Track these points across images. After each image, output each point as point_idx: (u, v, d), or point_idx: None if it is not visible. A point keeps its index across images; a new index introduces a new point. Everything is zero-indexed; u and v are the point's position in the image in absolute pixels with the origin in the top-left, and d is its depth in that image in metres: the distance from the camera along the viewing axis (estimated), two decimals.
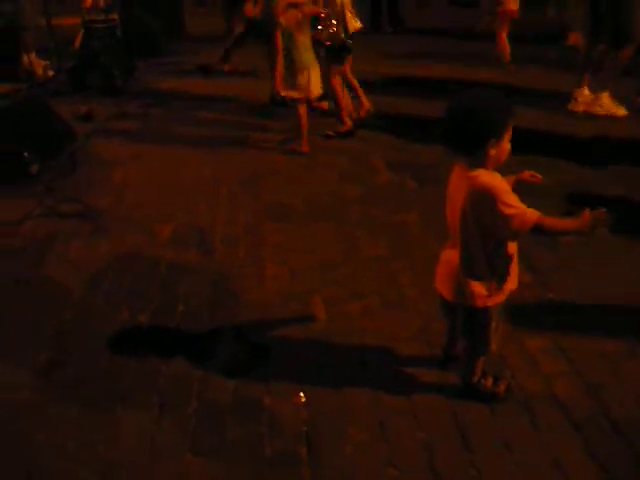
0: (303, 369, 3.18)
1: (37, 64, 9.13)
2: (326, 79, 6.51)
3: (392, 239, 4.43)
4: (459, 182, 2.56)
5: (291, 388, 3.04)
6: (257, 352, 3.33)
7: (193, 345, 3.42)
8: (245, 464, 2.66)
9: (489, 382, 2.93)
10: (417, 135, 6.41)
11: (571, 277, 3.85)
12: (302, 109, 6.03)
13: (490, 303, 2.65)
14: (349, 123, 6.59)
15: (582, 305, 3.59)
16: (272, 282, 3.97)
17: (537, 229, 2.40)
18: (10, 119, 5.72)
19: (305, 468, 2.62)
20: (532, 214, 2.40)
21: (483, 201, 2.43)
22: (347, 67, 6.59)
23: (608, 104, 6.67)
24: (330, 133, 6.59)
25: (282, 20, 5.68)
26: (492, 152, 2.43)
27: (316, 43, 6.13)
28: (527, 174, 2.73)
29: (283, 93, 6.75)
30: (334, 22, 6.18)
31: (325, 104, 7.16)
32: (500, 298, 2.67)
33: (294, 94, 5.96)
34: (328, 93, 6.67)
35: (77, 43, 9.31)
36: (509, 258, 2.61)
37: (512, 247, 2.60)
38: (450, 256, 2.71)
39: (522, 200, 2.44)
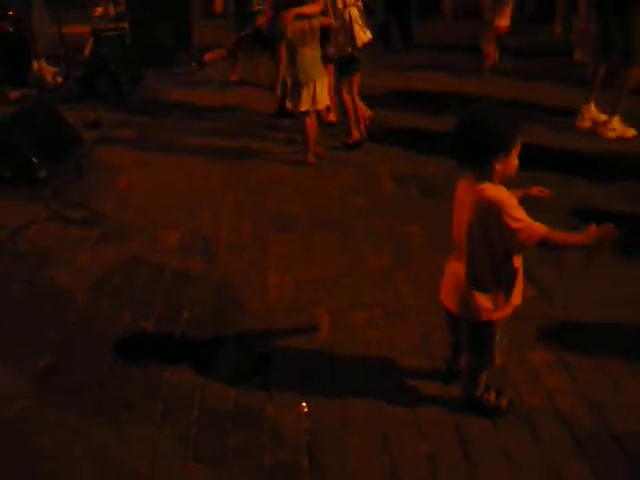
0: (306, 379, 3.18)
1: (47, 71, 9.20)
2: (337, 91, 6.54)
3: (396, 250, 4.43)
4: (465, 195, 2.56)
5: (293, 398, 3.04)
6: (260, 361, 3.33)
7: (196, 353, 3.42)
8: (246, 473, 2.65)
9: (492, 396, 2.92)
10: (423, 148, 6.42)
11: (575, 293, 3.84)
12: (308, 120, 6.04)
13: (495, 317, 2.64)
14: (357, 135, 6.61)
15: (586, 321, 3.58)
16: (276, 291, 3.98)
17: (543, 243, 2.40)
18: (19, 125, 5.76)
19: (306, 478, 2.61)
20: (539, 227, 2.40)
21: (489, 214, 2.44)
22: (355, 85, 6.57)
23: (619, 128, 6.69)
24: (337, 144, 6.62)
25: (288, 31, 5.69)
26: (500, 166, 2.43)
27: (324, 58, 6.15)
28: (535, 189, 2.74)
29: (289, 106, 6.80)
30: (341, 35, 6.20)
31: (332, 116, 7.18)
32: (505, 313, 2.67)
33: (300, 106, 5.96)
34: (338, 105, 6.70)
35: (87, 51, 9.41)
36: (515, 271, 2.61)
37: (517, 260, 2.60)
38: (456, 269, 2.71)
39: (529, 215, 2.44)
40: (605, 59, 6.67)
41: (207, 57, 9.75)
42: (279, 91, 7.33)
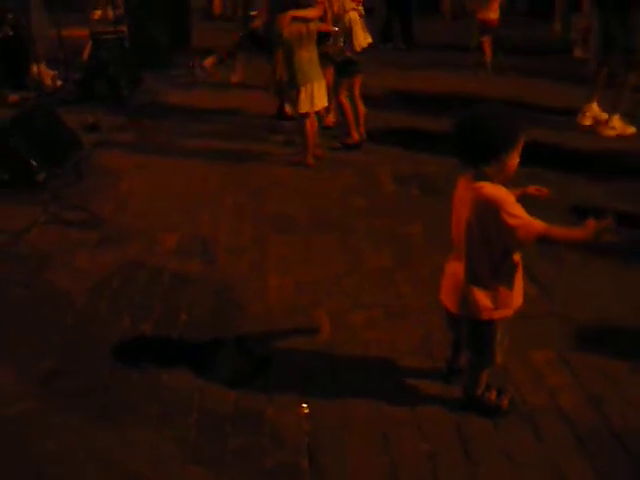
0: (306, 380, 3.17)
1: (46, 74, 9.20)
2: (334, 93, 6.53)
3: (397, 250, 4.42)
4: (464, 194, 2.56)
5: (293, 399, 3.03)
6: (260, 363, 3.32)
7: (195, 355, 3.41)
8: (246, 475, 2.64)
9: (493, 395, 2.91)
10: (423, 147, 6.42)
11: (576, 290, 3.84)
12: (307, 122, 6.03)
13: (496, 316, 2.63)
14: (356, 136, 6.60)
15: (587, 318, 3.57)
16: (276, 293, 3.97)
17: (542, 239, 2.39)
18: (18, 128, 5.75)
19: None
20: (537, 224, 2.39)
21: (488, 212, 2.43)
22: (357, 86, 6.57)
23: (619, 126, 6.68)
24: (337, 145, 6.62)
25: (285, 33, 5.67)
26: (500, 166, 2.43)
27: (324, 57, 6.15)
28: (533, 188, 2.74)
29: (287, 109, 6.79)
30: (341, 39, 6.20)
31: (332, 117, 7.18)
32: (506, 312, 2.65)
33: (298, 108, 5.95)
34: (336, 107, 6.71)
35: (85, 54, 9.41)
36: (514, 268, 2.60)
37: (516, 257, 2.59)
38: (455, 268, 2.70)
39: (528, 212, 2.43)
40: (607, 57, 6.66)
41: (207, 63, 9.76)
42: (273, 92, 7.37)
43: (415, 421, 2.86)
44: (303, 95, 5.86)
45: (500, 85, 8.81)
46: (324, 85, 6.04)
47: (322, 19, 5.96)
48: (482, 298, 2.59)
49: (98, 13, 13.08)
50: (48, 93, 8.80)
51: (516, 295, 2.66)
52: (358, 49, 6.26)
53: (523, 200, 2.58)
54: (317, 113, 6.22)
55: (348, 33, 6.19)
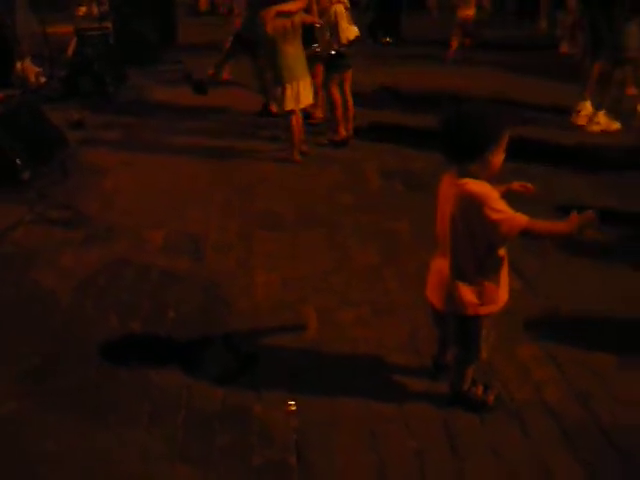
0: (293, 377, 3.17)
1: (30, 71, 9.13)
2: (325, 88, 6.52)
3: (383, 247, 4.43)
4: (449, 190, 2.56)
5: (281, 396, 3.03)
6: (247, 360, 3.32)
7: (183, 353, 3.40)
8: (234, 472, 2.64)
9: (479, 390, 2.93)
10: (410, 143, 6.43)
11: (560, 284, 3.86)
12: (293, 119, 6.02)
13: (481, 312, 2.64)
14: (343, 133, 6.60)
15: (572, 313, 3.60)
16: (263, 290, 3.96)
17: (526, 233, 2.40)
18: (2, 125, 5.70)
19: (295, 477, 2.61)
20: (520, 218, 2.40)
21: (471, 207, 2.44)
22: (347, 81, 6.56)
23: (604, 121, 6.72)
24: (324, 141, 6.61)
25: (268, 28, 5.64)
26: (485, 163, 2.44)
27: (313, 57, 6.15)
28: (517, 184, 2.75)
29: (273, 108, 6.77)
30: (327, 33, 6.19)
31: (320, 112, 7.18)
32: (492, 308, 2.66)
33: (284, 106, 5.93)
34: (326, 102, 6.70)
35: (70, 51, 9.33)
36: (499, 263, 2.61)
37: (501, 251, 2.60)
38: (440, 265, 2.71)
39: (513, 207, 2.44)
40: (597, 55, 6.68)
41: (225, 77, 9.27)
42: (257, 90, 7.36)
43: (402, 418, 2.87)
44: (289, 92, 5.84)
45: (486, 80, 8.84)
46: (310, 82, 6.02)
47: (306, 10, 5.94)
48: (467, 294, 2.60)
49: (83, 10, 12.98)
50: (32, 90, 8.73)
51: (502, 291, 2.67)
52: (344, 41, 6.22)
53: (508, 196, 2.59)
54: (303, 109, 6.21)
55: (334, 26, 6.18)
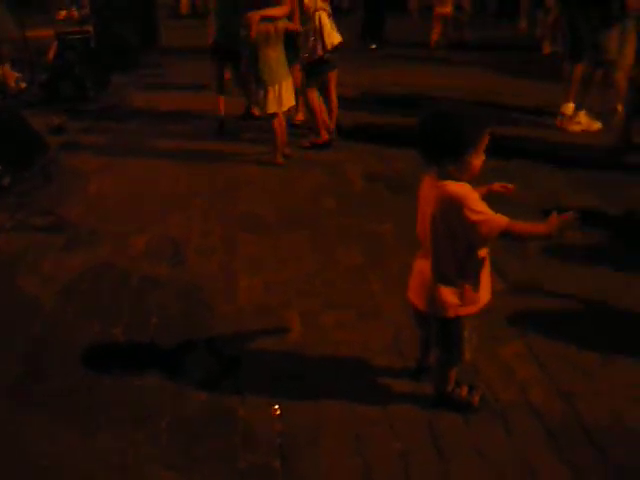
0: (277, 381, 3.16)
1: (9, 76, 9.07)
2: (303, 92, 6.51)
3: (367, 249, 4.43)
4: (429, 192, 2.56)
5: (265, 400, 3.02)
6: (230, 364, 3.30)
7: (166, 358, 3.38)
8: (219, 476, 2.63)
9: (464, 391, 2.93)
10: (392, 144, 6.45)
11: (542, 284, 3.87)
12: (276, 122, 6.02)
13: (462, 313, 2.64)
14: (326, 135, 6.60)
15: (554, 312, 3.62)
16: (246, 293, 3.95)
17: (506, 234, 2.40)
18: None
19: None
20: (500, 219, 2.40)
21: (451, 209, 2.43)
22: (332, 83, 6.56)
23: (585, 121, 6.76)
24: (306, 144, 6.61)
25: (252, 33, 5.63)
26: (464, 165, 2.43)
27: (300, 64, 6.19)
28: (498, 185, 2.74)
29: (255, 111, 6.74)
30: (312, 38, 6.19)
31: (301, 115, 7.18)
32: (473, 309, 2.66)
33: (267, 109, 5.93)
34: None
35: (51, 54, 9.28)
36: (480, 264, 2.61)
37: (482, 252, 2.60)
38: (422, 266, 2.70)
39: (493, 208, 2.44)
40: (577, 55, 6.71)
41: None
42: (243, 93, 7.34)
43: (387, 420, 2.87)
44: (271, 95, 5.84)
45: (467, 80, 8.89)
46: (292, 84, 6.03)
47: (290, 18, 5.94)
48: (448, 295, 2.60)
49: (63, 13, 12.90)
50: (12, 95, 8.67)
51: (483, 291, 2.67)
52: (329, 47, 6.23)
53: (489, 197, 2.60)
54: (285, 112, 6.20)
55: (318, 32, 6.18)
